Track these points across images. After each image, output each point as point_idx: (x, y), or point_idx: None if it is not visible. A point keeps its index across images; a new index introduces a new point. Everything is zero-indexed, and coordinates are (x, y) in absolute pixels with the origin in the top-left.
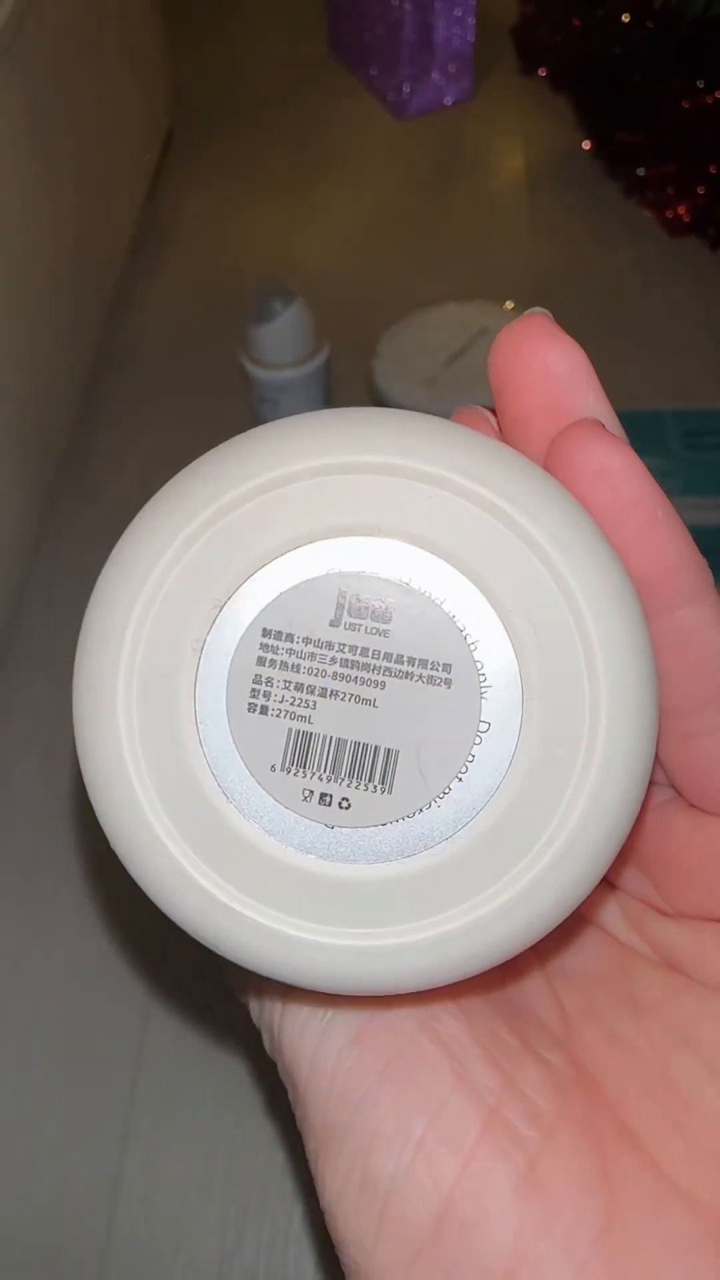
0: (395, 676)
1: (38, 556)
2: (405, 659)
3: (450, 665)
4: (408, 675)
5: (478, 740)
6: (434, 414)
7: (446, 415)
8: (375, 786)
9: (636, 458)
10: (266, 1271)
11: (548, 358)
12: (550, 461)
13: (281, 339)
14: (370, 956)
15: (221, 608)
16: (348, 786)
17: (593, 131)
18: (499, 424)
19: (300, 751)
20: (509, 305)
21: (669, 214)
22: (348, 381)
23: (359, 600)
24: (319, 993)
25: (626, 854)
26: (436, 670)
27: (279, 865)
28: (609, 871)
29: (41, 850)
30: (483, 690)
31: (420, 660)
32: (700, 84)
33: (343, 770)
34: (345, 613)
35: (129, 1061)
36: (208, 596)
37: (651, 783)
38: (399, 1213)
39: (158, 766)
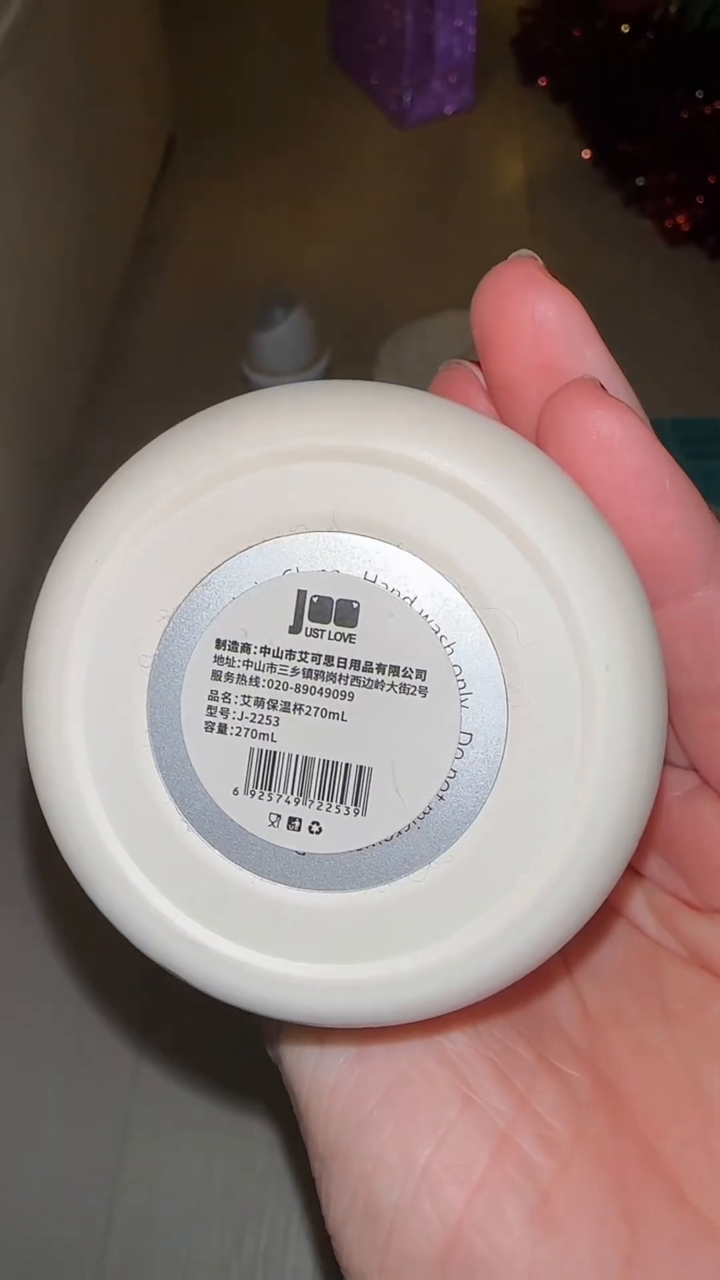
0: (364, 686)
1: (38, 564)
2: (374, 666)
3: (425, 671)
4: (378, 684)
5: (459, 754)
6: None
7: None
8: (348, 808)
9: (641, 421)
10: (265, 1276)
11: (536, 309)
12: (542, 429)
13: (282, 346)
14: (351, 990)
15: (170, 618)
16: (318, 809)
17: (592, 141)
18: (487, 387)
19: (264, 772)
20: None
21: (668, 223)
22: None
23: (320, 603)
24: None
25: (648, 844)
26: (410, 677)
27: (248, 896)
28: (636, 860)
29: (44, 856)
30: (462, 698)
31: (391, 667)
32: (700, 94)
33: (311, 792)
34: (306, 617)
35: (128, 1064)
36: (154, 607)
37: (671, 765)
38: (403, 1248)
39: (113, 795)
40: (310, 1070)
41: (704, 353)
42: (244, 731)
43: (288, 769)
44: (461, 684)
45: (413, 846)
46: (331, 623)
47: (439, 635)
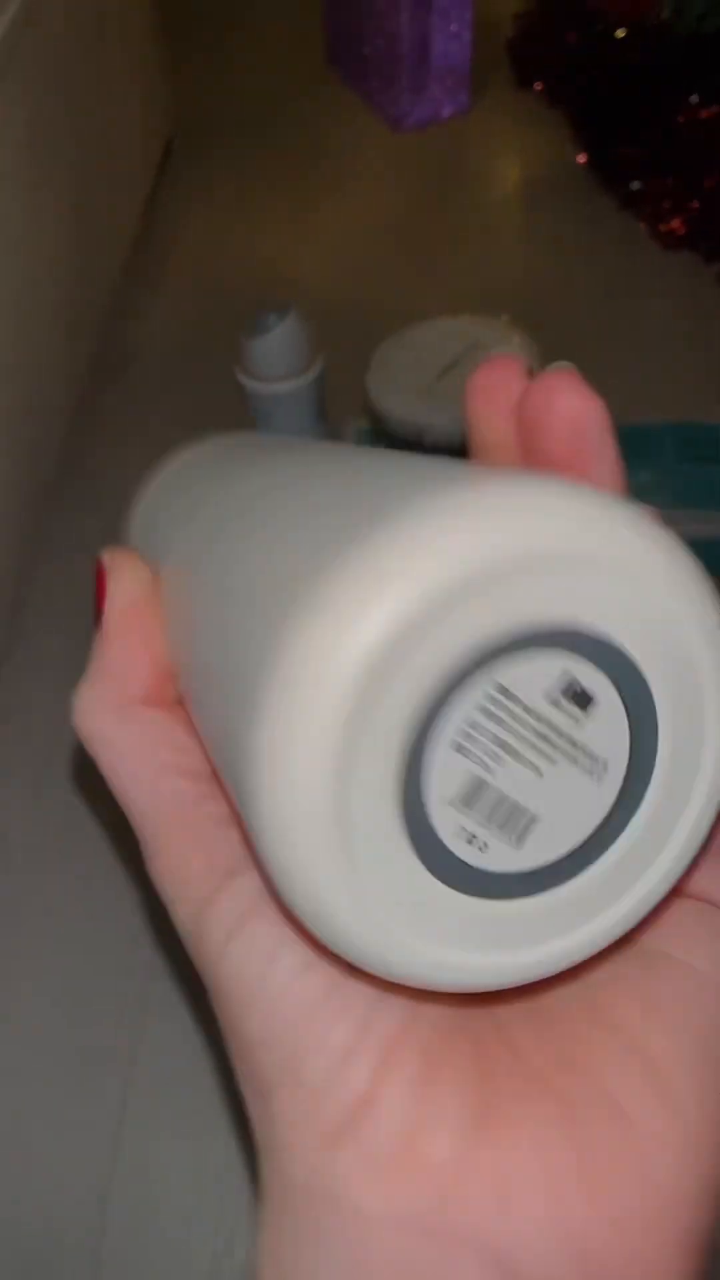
0: (567, 759)
1: (38, 563)
2: (580, 746)
3: (607, 765)
4: (575, 760)
5: (601, 826)
6: (431, 425)
7: (442, 425)
8: (511, 839)
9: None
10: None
11: (575, 410)
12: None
13: (275, 352)
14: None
15: (471, 646)
16: (490, 833)
17: (588, 145)
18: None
19: (472, 795)
20: (505, 318)
21: (663, 227)
22: (342, 394)
23: (576, 688)
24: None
25: None
26: (596, 766)
27: (413, 881)
28: None
29: (39, 854)
30: (621, 794)
31: (589, 754)
32: (694, 98)
33: (495, 821)
34: (561, 693)
35: (123, 1064)
36: (465, 626)
37: None
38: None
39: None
40: (256, 973)
41: (698, 356)
42: (477, 760)
43: (488, 798)
44: (624, 785)
45: (541, 877)
46: (574, 704)
47: (629, 748)
